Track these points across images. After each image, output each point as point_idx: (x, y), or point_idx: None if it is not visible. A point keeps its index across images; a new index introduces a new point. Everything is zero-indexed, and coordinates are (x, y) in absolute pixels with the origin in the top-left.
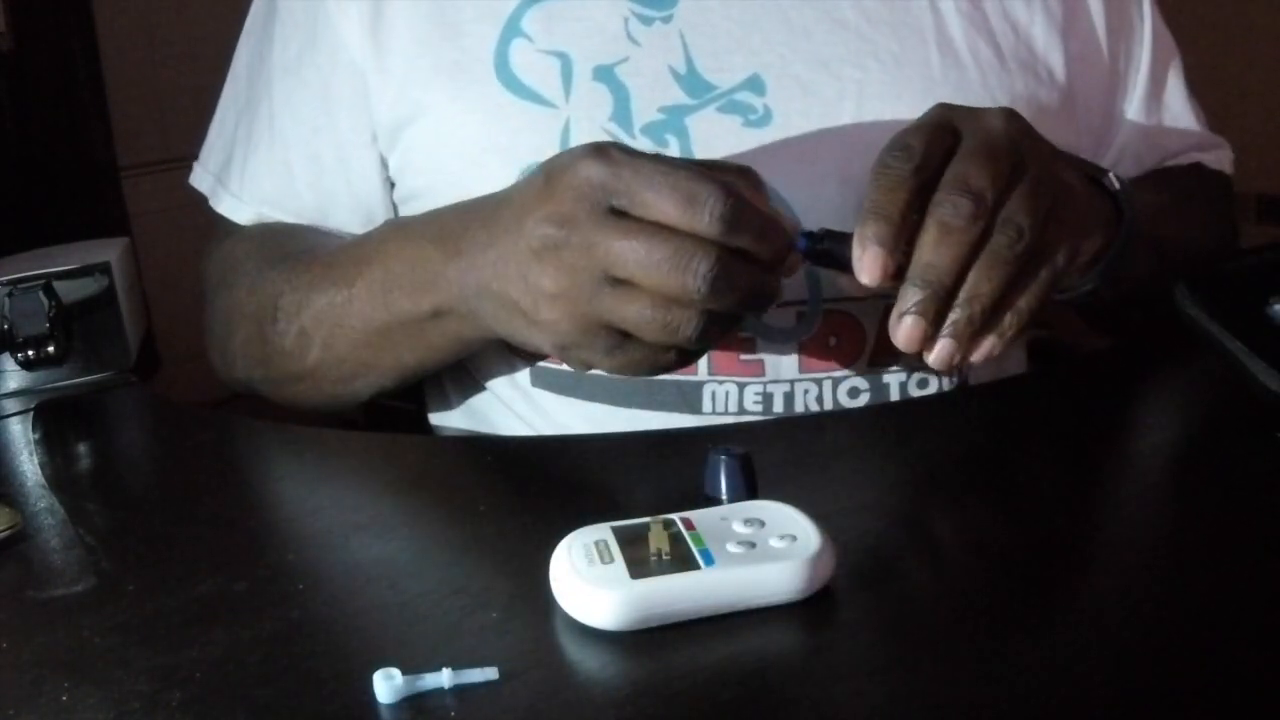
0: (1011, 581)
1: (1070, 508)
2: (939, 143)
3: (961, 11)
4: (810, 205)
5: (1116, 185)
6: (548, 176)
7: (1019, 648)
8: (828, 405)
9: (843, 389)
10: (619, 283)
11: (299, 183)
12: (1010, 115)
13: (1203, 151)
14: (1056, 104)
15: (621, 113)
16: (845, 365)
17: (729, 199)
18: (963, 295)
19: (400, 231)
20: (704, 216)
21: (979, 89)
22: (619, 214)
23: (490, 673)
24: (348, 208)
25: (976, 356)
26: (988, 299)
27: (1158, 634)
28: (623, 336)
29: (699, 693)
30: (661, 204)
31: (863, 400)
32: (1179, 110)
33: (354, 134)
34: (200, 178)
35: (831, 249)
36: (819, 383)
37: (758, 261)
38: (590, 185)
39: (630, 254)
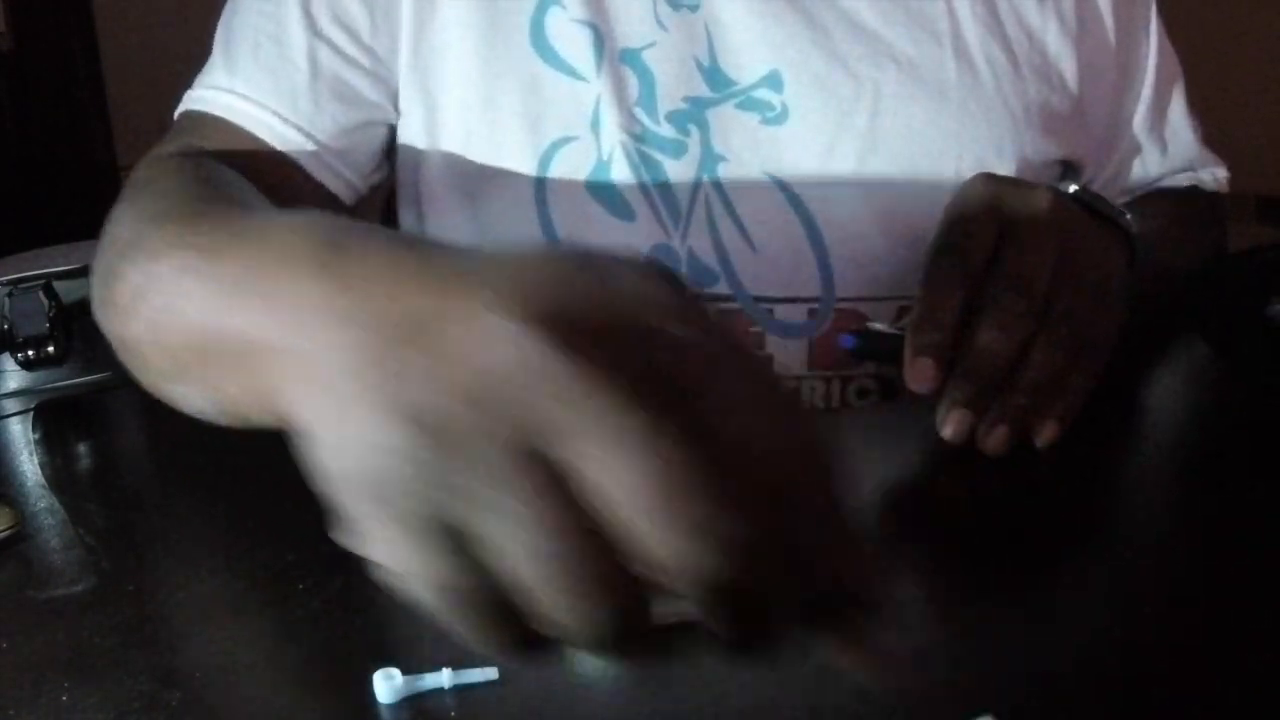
0: (1013, 581)
1: (1072, 508)
2: (988, 232)
3: (977, 16)
4: (825, 204)
5: (1134, 229)
6: (551, 308)
7: (1020, 647)
8: (835, 404)
9: (851, 388)
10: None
11: (300, 89)
12: (1055, 197)
13: (1201, 170)
14: (1068, 110)
15: (647, 97)
16: (855, 365)
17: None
18: (1020, 385)
19: (316, 219)
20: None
21: (993, 94)
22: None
23: (490, 673)
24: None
25: (1041, 442)
26: (1044, 388)
27: (1156, 634)
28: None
29: (699, 693)
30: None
31: (871, 400)
32: (1180, 127)
33: (374, 73)
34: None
35: (877, 349)
36: (827, 380)
37: None
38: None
39: (520, 533)
